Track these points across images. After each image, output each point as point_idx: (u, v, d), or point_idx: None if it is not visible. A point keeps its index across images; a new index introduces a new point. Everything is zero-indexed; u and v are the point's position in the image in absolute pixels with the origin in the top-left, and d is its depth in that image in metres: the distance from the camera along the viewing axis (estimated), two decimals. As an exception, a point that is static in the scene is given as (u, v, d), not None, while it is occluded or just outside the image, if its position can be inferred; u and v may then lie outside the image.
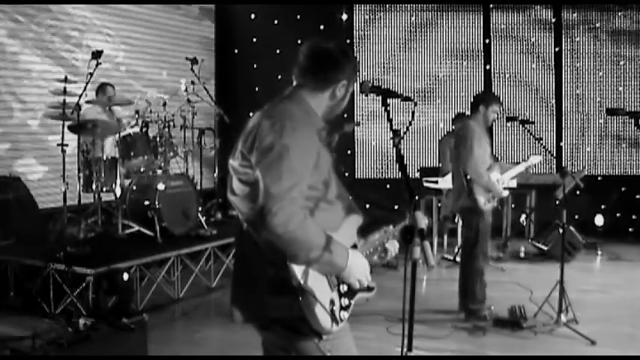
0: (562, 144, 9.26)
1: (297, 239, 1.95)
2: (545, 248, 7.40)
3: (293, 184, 1.97)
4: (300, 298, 2.02)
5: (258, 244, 2.06)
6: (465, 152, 4.95)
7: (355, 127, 8.65)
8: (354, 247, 2.25)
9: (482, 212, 4.97)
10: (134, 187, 6.20)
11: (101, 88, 6.74)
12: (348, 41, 9.37)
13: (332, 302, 2.09)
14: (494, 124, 5.22)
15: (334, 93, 2.22)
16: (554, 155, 8.98)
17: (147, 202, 6.01)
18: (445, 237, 7.87)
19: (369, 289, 2.24)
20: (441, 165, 8.22)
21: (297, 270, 2.01)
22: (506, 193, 5.21)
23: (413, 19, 9.50)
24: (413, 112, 2.64)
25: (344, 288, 2.15)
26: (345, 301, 2.14)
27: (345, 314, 2.13)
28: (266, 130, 2.05)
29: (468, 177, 4.93)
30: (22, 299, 5.24)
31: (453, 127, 8.07)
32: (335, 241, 2.05)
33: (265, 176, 1.99)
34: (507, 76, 9.35)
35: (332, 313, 2.07)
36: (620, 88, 9.13)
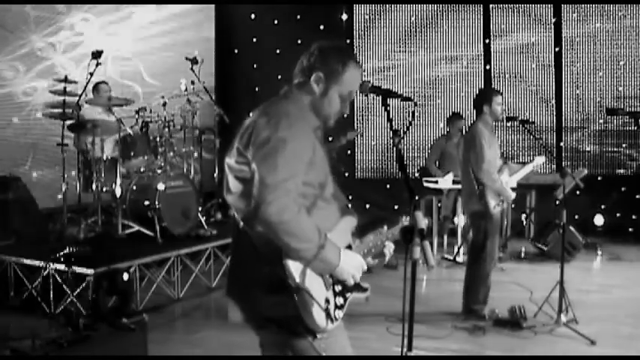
0: (562, 144, 9.26)
1: (290, 230, 1.96)
2: (545, 248, 7.39)
3: (288, 175, 1.98)
4: (296, 297, 2.02)
5: (254, 243, 2.07)
6: (475, 157, 4.91)
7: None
8: (349, 247, 2.26)
9: (492, 216, 4.95)
10: (134, 187, 6.20)
11: (95, 87, 6.66)
12: (348, 41, 9.37)
13: (327, 301, 2.10)
14: (493, 124, 5.19)
15: (311, 86, 2.19)
16: (554, 155, 8.97)
17: (147, 202, 6.02)
18: (445, 237, 7.87)
19: (362, 289, 2.25)
20: (426, 165, 8.27)
21: (294, 268, 2.02)
22: (514, 195, 5.20)
23: (413, 19, 9.50)
24: (413, 112, 2.64)
25: (338, 287, 2.16)
26: (339, 300, 2.15)
27: (339, 313, 2.14)
28: (262, 126, 2.07)
29: (481, 182, 4.91)
30: (22, 299, 5.24)
31: (448, 128, 8.12)
32: (328, 239, 2.06)
33: (261, 168, 2.00)
34: (507, 76, 9.36)
35: (327, 312, 2.08)
36: (620, 88, 9.13)
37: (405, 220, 2.49)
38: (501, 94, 5.14)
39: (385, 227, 2.41)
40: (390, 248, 2.43)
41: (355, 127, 9.37)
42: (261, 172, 1.99)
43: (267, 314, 2.09)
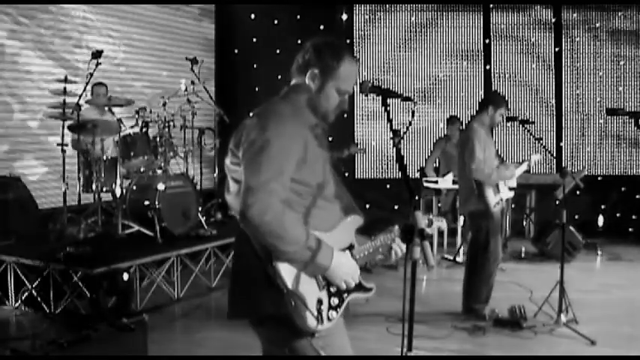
0: (562, 144, 9.26)
1: (273, 231, 1.96)
2: (545, 248, 7.39)
3: (271, 176, 1.99)
4: (286, 298, 2.02)
5: (251, 241, 2.08)
6: (469, 155, 4.93)
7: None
8: (352, 246, 2.25)
9: (492, 214, 4.96)
10: (134, 187, 6.20)
11: (92, 88, 6.63)
12: (348, 41, 9.37)
13: (319, 302, 2.09)
14: (490, 126, 5.20)
15: (306, 82, 2.19)
16: (554, 155, 8.98)
17: (147, 202, 6.01)
18: (445, 237, 7.87)
19: (365, 289, 2.24)
20: (425, 166, 8.29)
21: (283, 270, 2.02)
22: (512, 193, 5.20)
23: (413, 19, 9.50)
24: (413, 112, 2.63)
25: (334, 288, 2.15)
26: (334, 301, 2.14)
27: (334, 314, 2.13)
28: (252, 127, 2.09)
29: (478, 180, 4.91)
30: (22, 299, 5.24)
31: (447, 131, 8.14)
32: (319, 241, 2.05)
33: (246, 170, 2.03)
34: (507, 76, 9.36)
35: (319, 313, 2.07)
36: (620, 88, 9.13)
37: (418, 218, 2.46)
38: (507, 106, 5.15)
39: (396, 227, 2.37)
40: (400, 245, 2.36)
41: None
42: (246, 175, 2.02)
43: (265, 311, 2.09)
